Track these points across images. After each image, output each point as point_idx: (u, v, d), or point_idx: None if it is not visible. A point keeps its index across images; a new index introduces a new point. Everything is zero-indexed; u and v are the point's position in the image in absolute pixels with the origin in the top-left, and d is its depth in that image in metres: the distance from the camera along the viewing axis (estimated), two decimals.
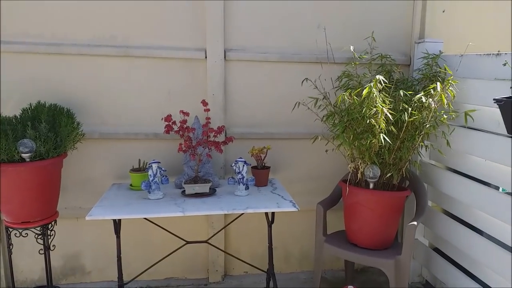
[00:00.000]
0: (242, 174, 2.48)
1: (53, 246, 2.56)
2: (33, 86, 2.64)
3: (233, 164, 2.50)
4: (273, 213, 2.51)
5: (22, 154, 2.22)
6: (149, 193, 2.40)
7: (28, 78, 2.64)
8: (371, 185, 2.48)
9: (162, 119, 2.40)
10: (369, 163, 2.44)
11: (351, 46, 2.61)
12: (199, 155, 2.46)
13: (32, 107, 2.48)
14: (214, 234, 2.79)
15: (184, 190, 2.46)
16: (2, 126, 2.20)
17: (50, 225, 2.49)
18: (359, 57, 2.63)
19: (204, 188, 2.45)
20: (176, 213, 2.20)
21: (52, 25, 2.62)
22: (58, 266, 2.88)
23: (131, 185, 2.62)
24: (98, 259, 2.92)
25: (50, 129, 2.36)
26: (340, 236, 2.69)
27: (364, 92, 2.31)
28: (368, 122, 2.34)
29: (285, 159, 3.00)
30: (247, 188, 2.49)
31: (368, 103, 2.34)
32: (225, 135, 2.80)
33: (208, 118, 2.47)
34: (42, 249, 2.49)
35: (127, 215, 2.18)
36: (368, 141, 2.37)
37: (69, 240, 2.85)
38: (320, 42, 2.80)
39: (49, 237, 2.51)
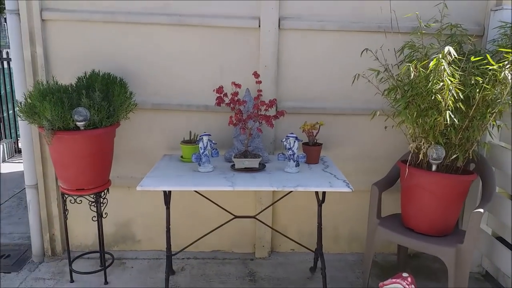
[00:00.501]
0: (292, 150, 2.38)
1: (105, 213, 2.62)
2: (89, 55, 2.66)
3: (284, 140, 2.40)
4: (324, 192, 2.40)
5: (77, 122, 2.25)
6: (199, 165, 2.37)
7: (84, 47, 2.66)
8: (434, 167, 2.28)
9: (213, 90, 2.33)
10: (433, 143, 2.25)
11: (417, 13, 2.36)
12: (249, 129, 2.38)
13: (87, 76, 2.50)
14: (262, 210, 2.74)
15: (234, 164, 2.41)
16: (58, 94, 2.24)
17: (102, 193, 2.54)
18: (425, 25, 2.39)
19: (254, 163, 2.38)
20: (225, 187, 2.15)
21: None
22: (110, 233, 2.97)
23: (182, 156, 2.60)
24: (148, 228, 2.98)
25: (103, 98, 2.38)
26: (395, 219, 2.54)
27: (431, 64, 2.10)
28: (433, 97, 2.13)
29: (339, 136, 2.85)
30: (297, 165, 2.39)
31: (435, 76, 2.12)
32: (276, 109, 2.70)
33: (259, 91, 2.37)
34: (95, 216, 2.56)
35: (177, 187, 2.17)
36: (433, 119, 2.17)
37: (121, 209, 2.92)
38: (384, 9, 2.57)
39: (101, 205, 2.57)
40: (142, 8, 2.63)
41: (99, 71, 2.53)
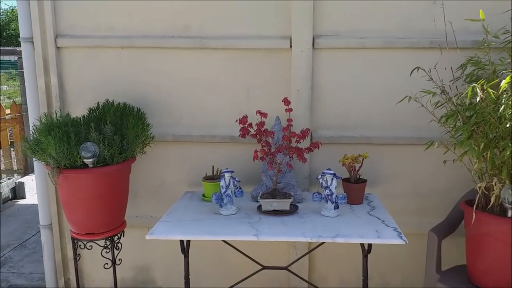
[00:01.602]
0: (330, 190, 2.00)
1: (119, 260, 2.35)
2: (104, 84, 2.46)
3: (319, 177, 2.03)
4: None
5: (85, 159, 2.01)
6: (221, 207, 2.05)
7: (100, 75, 2.46)
8: (510, 213, 1.82)
9: (236, 121, 2.02)
10: (507, 182, 1.79)
11: (483, 23, 1.94)
12: (278, 164, 2.04)
13: (100, 107, 2.28)
14: (296, 260, 2.35)
15: (261, 205, 2.06)
16: (65, 128, 2.02)
17: (116, 237, 2.27)
18: (493, 36, 1.97)
19: (284, 204, 2.02)
20: (248, 236, 1.80)
21: (123, 16, 2.40)
22: (129, 278, 2.69)
23: (203, 195, 2.30)
24: (170, 273, 2.67)
25: (116, 131, 2.13)
26: (460, 274, 2.07)
27: (503, 83, 1.68)
28: (508, 125, 1.70)
29: (385, 169, 2.44)
30: (336, 207, 2.00)
31: (508, 98, 1.70)
32: (311, 140, 2.34)
33: (289, 120, 2.03)
34: (107, 263, 2.29)
35: (191, 235, 1.85)
36: (508, 152, 1.72)
37: (140, 251, 2.64)
38: (436, 21, 2.17)
39: (116, 249, 2.30)
40: (161, 31, 2.40)
41: (113, 101, 2.30)
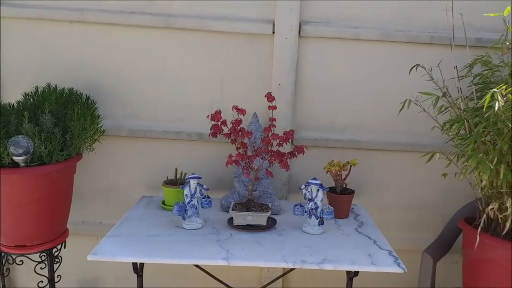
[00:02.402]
0: (315, 203, 1.70)
1: (58, 276, 1.95)
2: (47, 65, 2.03)
3: (303, 187, 1.72)
4: None
5: (14, 157, 1.61)
6: (184, 219, 1.70)
7: (41, 53, 2.03)
8: None
9: (207, 116, 1.67)
10: None
11: (503, 16, 1.69)
12: (255, 170, 1.71)
13: (39, 92, 1.86)
14: (270, 282, 2.04)
15: (232, 218, 1.73)
16: None
17: (55, 249, 1.88)
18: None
19: (260, 219, 1.70)
20: (216, 260, 1.47)
21: None
22: None
23: (163, 202, 1.94)
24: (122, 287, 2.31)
25: (57, 123, 1.74)
26: None
27: None
28: None
29: (374, 178, 2.17)
30: (321, 222, 1.71)
31: None
32: (292, 142, 2.03)
33: (272, 120, 1.70)
34: (42, 281, 1.89)
35: (144, 257, 1.48)
36: None
37: (87, 263, 2.23)
38: (444, 13, 1.89)
39: (54, 263, 1.91)
40: (120, 5, 2.00)
41: (56, 86, 1.89)
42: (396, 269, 1.47)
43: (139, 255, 1.49)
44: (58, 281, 1.95)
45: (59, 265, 1.94)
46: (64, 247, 1.95)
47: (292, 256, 1.50)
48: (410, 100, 1.73)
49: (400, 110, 1.73)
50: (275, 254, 1.52)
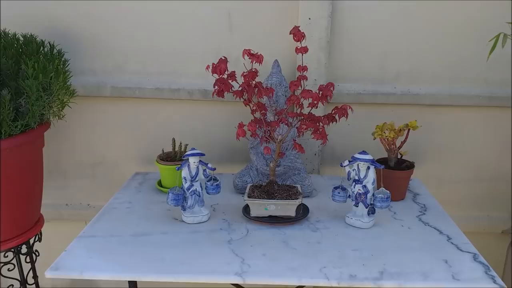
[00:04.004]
0: (365, 187, 1.21)
1: (33, 278, 1.57)
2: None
3: (346, 164, 1.23)
4: None
5: None
6: (184, 210, 1.25)
7: None
8: None
9: (206, 68, 1.16)
10: None
11: None
12: (278, 143, 1.22)
13: None
14: None
15: (249, 207, 1.27)
16: None
17: (24, 246, 1.48)
18: None
19: (287, 208, 1.23)
20: (227, 276, 1.02)
21: None
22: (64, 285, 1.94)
23: (159, 183, 1.49)
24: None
25: (4, 82, 1.27)
26: None
27: None
28: None
29: (434, 142, 1.65)
30: (371, 211, 1.23)
31: None
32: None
33: (303, 69, 1.17)
34: (12, 285, 1.51)
35: (121, 272, 1.04)
36: None
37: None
38: None
39: (27, 262, 1.52)
40: None
41: (5, 31, 1.40)
42: (489, 285, 1.00)
43: (117, 268, 1.05)
44: (33, 283, 1.56)
45: (35, 259, 1.55)
46: (39, 240, 1.55)
47: (335, 267, 1.04)
48: (505, 35, 1.16)
49: (491, 52, 1.18)
50: (310, 263, 1.06)
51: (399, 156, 1.44)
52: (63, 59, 1.45)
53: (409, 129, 1.40)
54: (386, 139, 1.38)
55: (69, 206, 1.78)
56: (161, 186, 1.47)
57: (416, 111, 1.58)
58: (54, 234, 1.75)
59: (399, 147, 1.42)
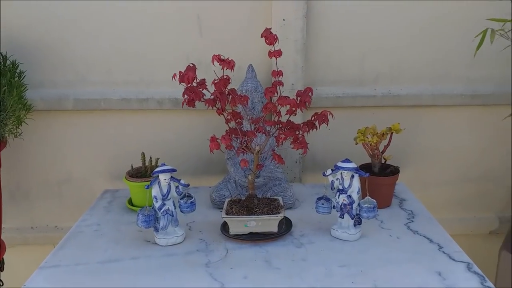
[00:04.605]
0: (350, 197, 1.13)
1: None
2: None
3: (329, 173, 1.15)
4: None
5: None
6: (156, 231, 1.15)
7: None
8: None
9: (173, 77, 1.06)
10: None
11: None
12: (256, 153, 1.13)
13: None
14: None
15: (227, 224, 1.17)
16: None
17: None
18: None
19: (269, 224, 1.15)
20: None
21: None
22: None
23: (129, 202, 1.38)
24: None
25: None
26: None
27: None
28: None
29: (418, 144, 1.60)
30: (358, 222, 1.15)
31: None
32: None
33: (278, 74, 1.08)
34: None
35: None
36: None
37: None
38: None
39: None
40: None
41: None
42: None
43: None
44: None
45: None
46: (1, 269, 1.42)
47: (324, 287, 0.96)
48: (493, 30, 1.10)
49: (478, 47, 1.13)
50: (295, 284, 0.97)
51: (382, 161, 1.38)
52: (18, 70, 1.33)
53: (392, 133, 1.34)
54: (369, 144, 1.31)
55: (35, 229, 1.65)
56: (132, 204, 1.36)
57: (398, 113, 1.52)
58: (20, 260, 1.63)
59: (383, 152, 1.36)
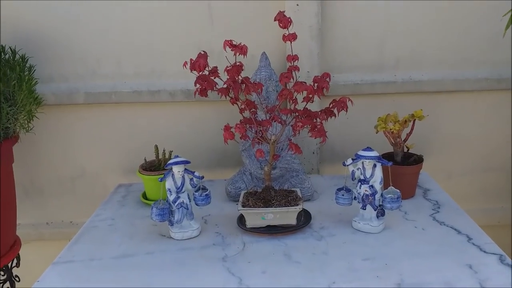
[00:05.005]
0: (372, 187, 1.08)
1: None
2: None
3: (350, 163, 1.10)
4: None
5: None
6: (171, 225, 1.12)
7: None
8: None
9: (183, 65, 1.02)
10: None
11: None
12: (272, 143, 1.08)
13: None
14: None
15: (243, 217, 1.13)
16: None
17: (1, 272, 1.34)
18: None
19: (287, 216, 1.10)
20: None
21: None
22: None
23: (143, 195, 1.35)
24: None
25: None
26: None
27: None
28: None
29: (441, 132, 1.53)
30: (381, 214, 1.10)
31: None
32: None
33: (293, 59, 1.03)
34: None
35: None
36: None
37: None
38: None
39: (13, 286, 1.38)
40: None
41: None
42: None
43: None
44: None
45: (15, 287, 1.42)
46: (17, 265, 1.41)
47: (346, 282, 0.91)
48: None
49: (507, 28, 1.05)
50: (317, 279, 0.92)
51: (405, 150, 1.31)
52: (27, 65, 1.31)
53: (414, 120, 1.28)
54: (391, 132, 1.25)
55: (50, 225, 1.64)
56: (146, 198, 1.33)
57: (419, 100, 1.45)
58: (37, 256, 1.62)
59: (405, 140, 1.30)
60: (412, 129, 1.29)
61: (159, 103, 1.46)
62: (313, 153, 1.50)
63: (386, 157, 1.29)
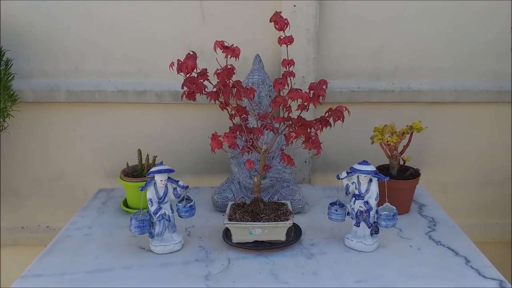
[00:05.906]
0: (367, 203, 1.02)
1: None
2: None
3: (344, 176, 1.03)
4: None
5: None
6: (152, 237, 1.04)
7: None
8: None
9: (170, 66, 0.95)
10: None
11: None
12: (263, 153, 1.01)
13: None
14: None
15: (230, 231, 1.06)
16: None
17: None
18: None
19: (276, 232, 1.03)
20: None
21: None
22: None
23: (124, 203, 1.27)
24: None
25: None
26: None
27: None
28: None
29: (438, 144, 1.47)
30: (375, 231, 1.04)
31: None
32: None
33: (289, 63, 0.96)
34: None
35: None
36: None
37: None
38: None
39: None
40: None
41: None
42: None
43: None
44: None
45: None
46: None
47: None
48: None
49: None
50: None
51: (401, 163, 1.26)
52: (4, 58, 1.22)
53: (413, 131, 1.22)
54: (387, 144, 1.19)
55: (26, 229, 1.55)
56: (127, 206, 1.25)
57: (417, 110, 1.40)
58: (11, 260, 1.54)
59: (401, 152, 1.24)
60: (409, 141, 1.23)
61: (145, 104, 1.38)
62: (305, 162, 1.43)
63: (382, 169, 1.23)
